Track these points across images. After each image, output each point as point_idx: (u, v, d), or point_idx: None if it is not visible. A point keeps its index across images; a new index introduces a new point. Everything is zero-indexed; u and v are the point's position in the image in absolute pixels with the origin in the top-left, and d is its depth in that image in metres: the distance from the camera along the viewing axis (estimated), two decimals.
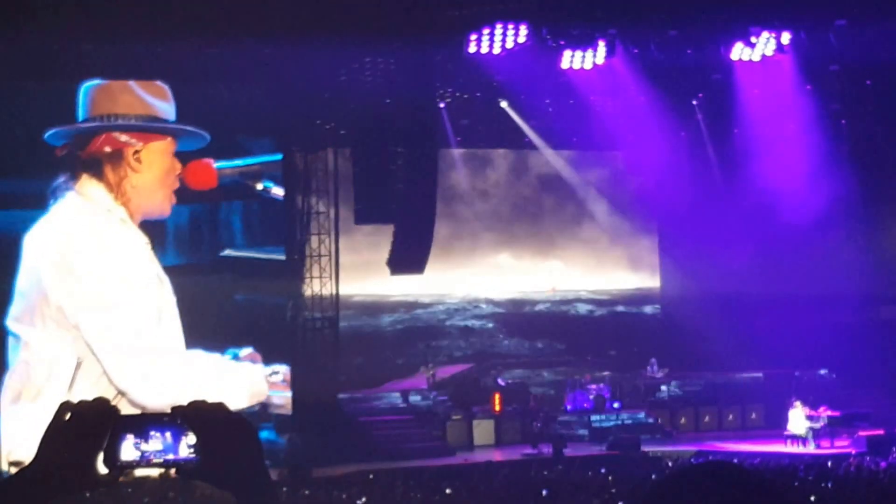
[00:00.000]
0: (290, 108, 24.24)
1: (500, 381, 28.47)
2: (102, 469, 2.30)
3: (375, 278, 27.95)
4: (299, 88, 23.99)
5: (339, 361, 25.67)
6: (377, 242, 26.37)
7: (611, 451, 24.33)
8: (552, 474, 20.15)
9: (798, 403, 25.45)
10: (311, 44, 21.84)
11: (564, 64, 25.25)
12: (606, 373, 29.07)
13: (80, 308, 16.04)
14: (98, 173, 16.58)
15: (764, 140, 27.70)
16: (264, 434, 22.10)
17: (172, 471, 2.38)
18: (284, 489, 17.15)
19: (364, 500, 16.65)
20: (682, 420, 28.10)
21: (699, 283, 29.70)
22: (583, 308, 32.01)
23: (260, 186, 21.46)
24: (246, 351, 17.61)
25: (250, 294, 24.76)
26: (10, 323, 16.39)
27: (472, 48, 23.94)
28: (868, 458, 21.18)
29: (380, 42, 22.91)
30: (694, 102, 28.69)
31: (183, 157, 17.66)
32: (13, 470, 15.88)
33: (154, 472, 13.73)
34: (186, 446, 2.35)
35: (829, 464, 19.95)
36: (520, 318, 31.29)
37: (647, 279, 32.21)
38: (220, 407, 2.36)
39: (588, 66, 25.19)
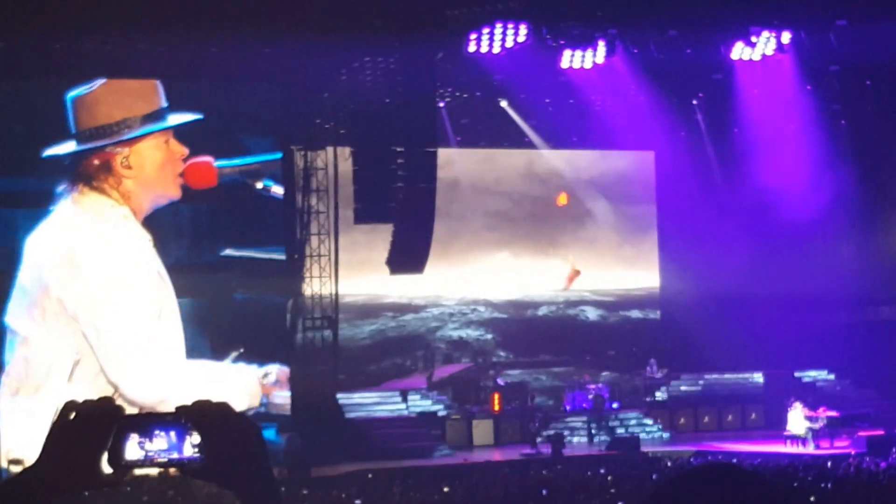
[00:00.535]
0: (290, 107, 24.24)
1: (500, 381, 28.47)
2: (107, 468, 2.30)
3: (375, 278, 27.94)
4: (299, 88, 23.99)
5: (338, 361, 25.67)
6: (377, 242, 26.36)
7: (610, 451, 24.33)
8: (551, 474, 20.15)
9: (797, 404, 25.44)
10: (311, 44, 21.84)
11: (564, 63, 25.25)
12: (606, 373, 29.07)
13: (78, 299, 16.11)
14: (94, 182, 16.75)
15: (764, 140, 27.70)
16: (264, 433, 22.09)
17: (171, 470, 2.38)
18: (283, 489, 17.15)
19: (363, 499, 16.65)
20: (682, 420, 28.09)
21: (699, 284, 29.69)
22: (582, 308, 31.99)
23: (260, 185, 21.48)
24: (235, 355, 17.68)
25: (250, 293, 24.75)
26: (10, 319, 16.43)
27: (472, 48, 23.94)
28: (868, 459, 21.17)
29: (380, 42, 22.90)
30: (694, 102, 28.70)
31: (187, 154, 17.63)
32: (12, 468, 15.89)
33: (153, 471, 13.72)
34: (191, 446, 2.34)
35: (829, 464, 19.95)
36: (519, 318, 31.28)
37: (646, 279, 32.20)
38: (224, 406, 2.36)
39: (588, 65, 25.19)
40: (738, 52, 25.33)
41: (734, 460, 21.89)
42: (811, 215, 27.55)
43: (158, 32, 20.72)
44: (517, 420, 26.90)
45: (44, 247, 16.36)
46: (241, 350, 17.68)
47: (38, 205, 16.86)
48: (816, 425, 25.07)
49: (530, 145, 30.44)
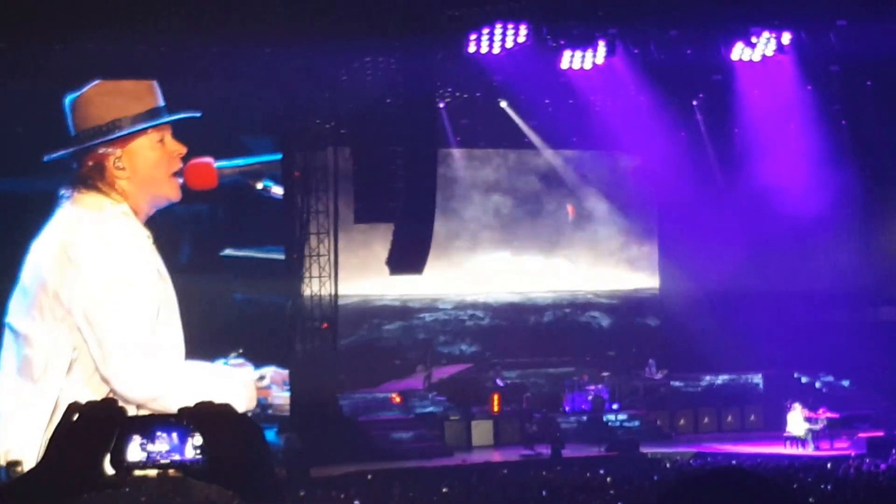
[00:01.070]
0: (290, 107, 24.24)
1: (499, 382, 28.46)
2: (109, 470, 2.30)
3: (375, 278, 27.94)
4: (299, 88, 23.98)
5: (337, 361, 25.67)
6: (376, 242, 26.36)
7: (609, 452, 24.32)
8: (551, 475, 20.16)
9: (797, 405, 25.44)
10: (311, 44, 21.84)
11: (564, 64, 25.24)
12: (605, 374, 29.06)
13: (74, 293, 16.12)
14: (91, 184, 16.79)
15: (764, 140, 27.70)
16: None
17: (171, 471, 2.38)
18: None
19: (362, 500, 16.65)
20: (681, 421, 28.09)
21: (699, 284, 29.70)
22: (581, 308, 32.00)
23: (260, 186, 21.47)
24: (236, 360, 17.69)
25: (250, 294, 24.77)
26: (10, 319, 16.48)
27: (471, 48, 23.93)
28: (868, 460, 21.17)
29: (380, 42, 22.90)
30: (694, 102, 28.68)
31: (185, 152, 17.61)
32: (11, 469, 15.90)
33: (153, 472, 13.71)
34: (193, 447, 2.34)
35: (829, 465, 19.95)
36: (518, 319, 31.28)
37: (646, 279, 32.20)
38: (226, 408, 2.36)
39: (588, 66, 25.18)
40: (739, 52, 25.33)
41: (734, 461, 21.92)
42: (811, 215, 27.55)
43: (158, 32, 20.73)
44: (517, 421, 26.90)
45: (44, 246, 16.43)
46: (241, 350, 17.66)
47: (43, 208, 16.94)
48: (816, 426, 25.08)
49: (530, 146, 30.44)
